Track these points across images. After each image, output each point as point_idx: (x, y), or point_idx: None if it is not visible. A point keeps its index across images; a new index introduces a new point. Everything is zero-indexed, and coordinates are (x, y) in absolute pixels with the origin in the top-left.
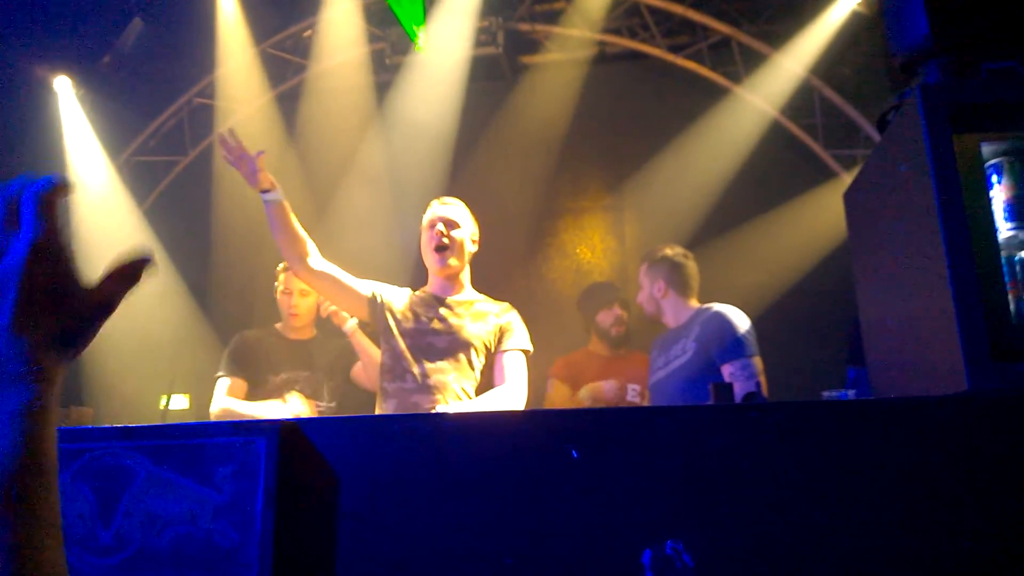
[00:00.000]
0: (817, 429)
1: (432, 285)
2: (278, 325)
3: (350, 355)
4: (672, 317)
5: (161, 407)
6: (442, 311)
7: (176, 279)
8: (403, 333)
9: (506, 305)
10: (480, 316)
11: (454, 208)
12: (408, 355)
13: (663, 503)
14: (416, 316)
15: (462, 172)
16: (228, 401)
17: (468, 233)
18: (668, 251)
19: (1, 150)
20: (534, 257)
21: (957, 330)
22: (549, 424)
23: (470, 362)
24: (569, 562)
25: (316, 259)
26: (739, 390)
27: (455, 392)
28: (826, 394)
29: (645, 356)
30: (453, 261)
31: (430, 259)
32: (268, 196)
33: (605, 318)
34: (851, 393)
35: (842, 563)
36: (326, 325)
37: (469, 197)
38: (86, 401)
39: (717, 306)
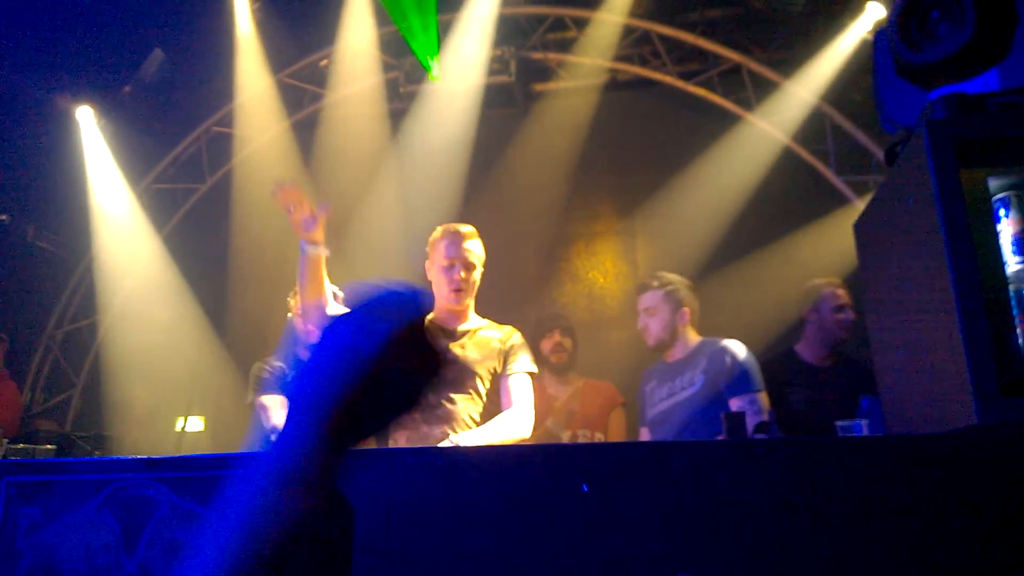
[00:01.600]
0: (826, 465)
1: (438, 315)
2: (297, 351)
3: None
4: (679, 348)
5: (177, 429)
6: (448, 341)
7: (193, 304)
8: None
9: (509, 329)
10: (485, 343)
11: (472, 245)
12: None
13: (673, 537)
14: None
15: (475, 198)
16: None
17: (479, 266)
18: (682, 279)
19: (27, 178)
20: (547, 283)
21: (966, 365)
22: (560, 458)
23: (477, 390)
24: None
25: (331, 307)
26: (748, 424)
27: (464, 421)
28: (839, 424)
29: (593, 384)
30: (467, 300)
31: (444, 295)
32: (311, 249)
33: (545, 345)
34: (864, 423)
35: None
36: None
37: (481, 222)
38: (105, 424)
39: (723, 341)
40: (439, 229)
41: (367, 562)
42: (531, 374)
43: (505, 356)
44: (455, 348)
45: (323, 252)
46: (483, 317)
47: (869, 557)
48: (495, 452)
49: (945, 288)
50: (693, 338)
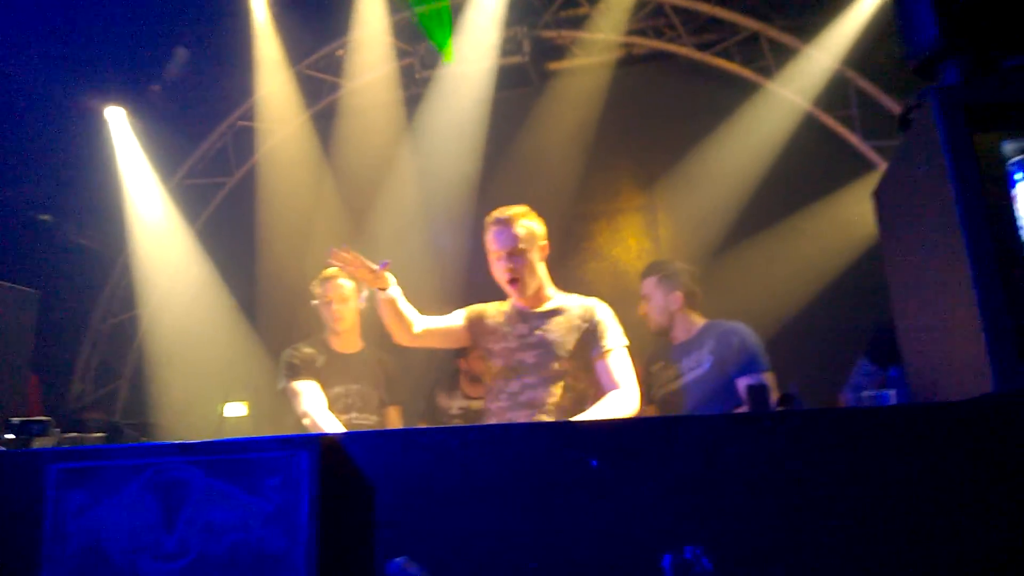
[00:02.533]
0: (834, 436)
1: (518, 301)
2: (325, 336)
3: (397, 368)
4: (683, 330)
5: (225, 415)
6: (529, 325)
7: (227, 295)
8: (496, 354)
9: (591, 303)
10: (565, 323)
11: (511, 232)
12: (502, 375)
13: (682, 509)
14: (505, 335)
15: (493, 180)
16: (322, 412)
17: (534, 247)
18: (681, 265)
19: (66, 179)
20: (570, 261)
21: (983, 332)
22: (570, 435)
23: (559, 373)
24: (591, 566)
25: (417, 326)
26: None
27: (549, 406)
28: (868, 394)
29: None
30: (529, 285)
31: (506, 288)
32: (380, 295)
33: None
34: (892, 393)
35: (861, 566)
36: (370, 337)
37: (501, 203)
38: (151, 412)
39: (730, 323)
40: (487, 219)
41: (388, 536)
42: (626, 347)
43: (592, 334)
44: (535, 330)
45: (393, 295)
46: (566, 292)
47: (880, 524)
48: (505, 431)
49: (960, 254)
50: (696, 320)
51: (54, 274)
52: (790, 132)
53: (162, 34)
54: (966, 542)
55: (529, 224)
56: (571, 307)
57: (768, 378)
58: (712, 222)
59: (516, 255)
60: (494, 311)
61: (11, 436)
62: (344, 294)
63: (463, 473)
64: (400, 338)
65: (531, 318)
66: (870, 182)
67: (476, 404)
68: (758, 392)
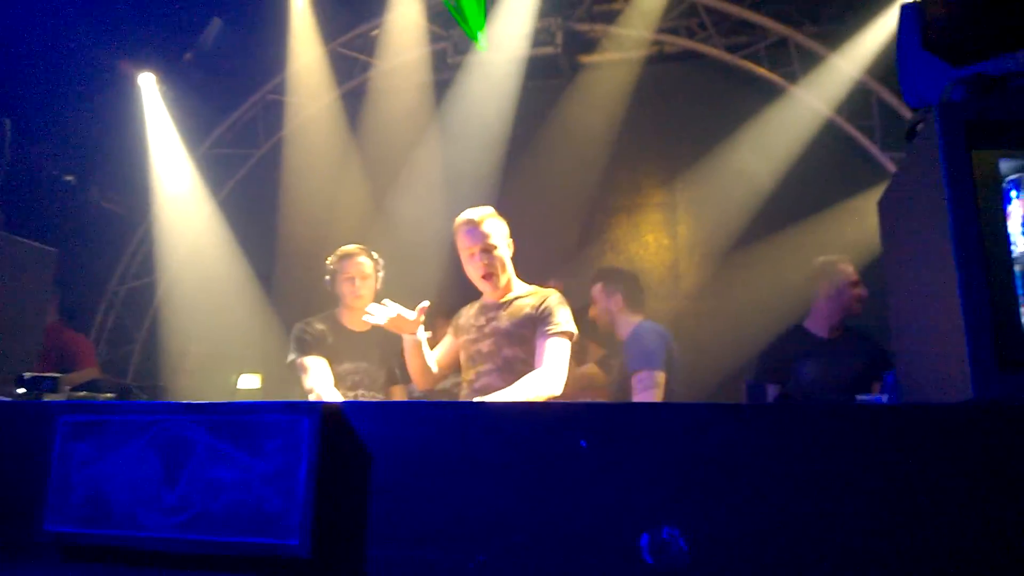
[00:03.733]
0: (811, 431)
1: (485, 296)
2: (337, 312)
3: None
4: (623, 330)
5: (237, 387)
6: (487, 316)
7: (246, 266)
8: (462, 347)
9: (545, 292)
10: (518, 312)
11: (486, 228)
12: (465, 366)
13: (662, 492)
14: (469, 328)
15: (518, 168)
16: (327, 389)
17: (504, 243)
18: (625, 271)
19: (92, 142)
20: (587, 253)
21: (965, 340)
22: (562, 416)
23: (512, 360)
24: (574, 540)
25: (434, 364)
26: (638, 398)
27: (500, 392)
28: (860, 398)
29: None
30: (502, 279)
31: (478, 282)
32: (407, 338)
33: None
34: (884, 398)
35: (832, 556)
36: None
37: (523, 192)
38: (165, 380)
39: (648, 323)
40: (455, 222)
41: (383, 502)
42: (565, 334)
43: (539, 320)
44: (493, 319)
45: (421, 339)
46: (528, 283)
47: (852, 516)
48: (502, 408)
49: (950, 265)
50: (633, 320)
51: (74, 235)
52: (811, 137)
53: (199, 4)
54: (938, 541)
55: (497, 223)
56: (526, 296)
57: (656, 376)
58: (731, 222)
59: (489, 251)
60: (467, 310)
61: (22, 390)
62: (365, 271)
63: (458, 447)
64: (423, 381)
65: (489, 309)
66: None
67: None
68: (753, 391)
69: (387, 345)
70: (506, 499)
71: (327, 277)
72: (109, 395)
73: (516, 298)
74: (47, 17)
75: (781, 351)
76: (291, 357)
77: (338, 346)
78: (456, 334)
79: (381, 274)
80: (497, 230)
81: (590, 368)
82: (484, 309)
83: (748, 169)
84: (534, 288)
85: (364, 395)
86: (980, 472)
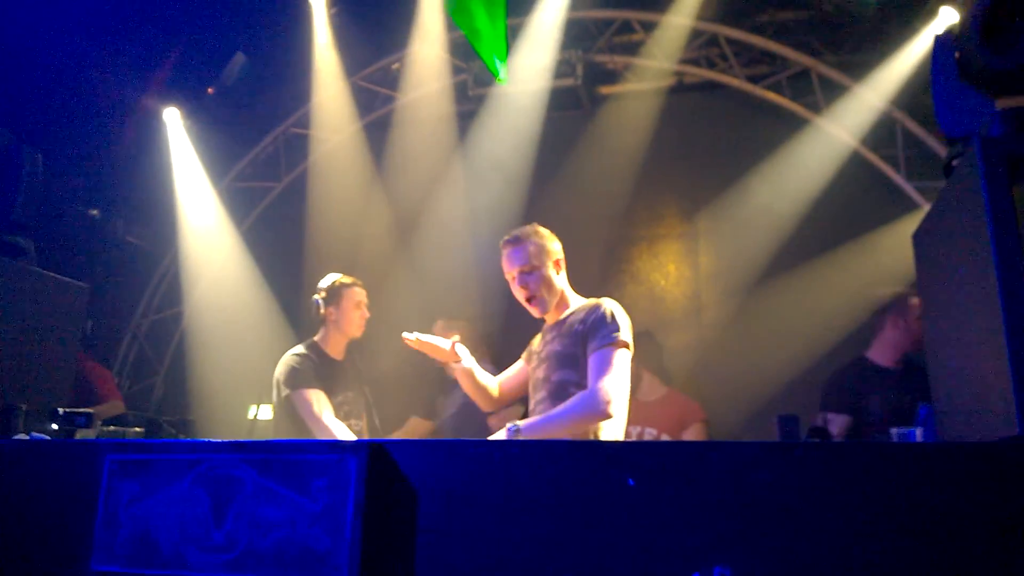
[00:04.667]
0: (861, 469)
1: (535, 317)
2: (319, 341)
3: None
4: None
5: (250, 417)
6: (544, 340)
7: (269, 297)
8: (530, 375)
9: (592, 304)
10: (569, 330)
11: (518, 253)
12: (529, 391)
13: (712, 530)
14: (532, 355)
15: (539, 199)
16: (335, 423)
17: (544, 264)
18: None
19: (117, 176)
20: (608, 284)
21: (1011, 376)
22: (609, 454)
23: (563, 384)
24: None
25: (495, 388)
26: None
27: (536, 419)
28: (895, 431)
29: (677, 395)
30: (548, 301)
31: (527, 307)
32: (459, 367)
33: None
34: (919, 432)
35: None
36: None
37: (545, 223)
38: (185, 409)
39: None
40: (500, 244)
41: (429, 541)
42: (615, 343)
43: (586, 335)
44: (547, 346)
45: (469, 366)
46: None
47: (902, 557)
48: (548, 446)
49: (994, 301)
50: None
51: (99, 269)
52: (835, 168)
53: (222, 39)
54: None
55: (538, 241)
56: (575, 314)
57: None
58: (753, 253)
59: (528, 273)
60: (536, 339)
61: (55, 426)
62: (367, 301)
63: (505, 486)
64: (485, 405)
65: (547, 332)
66: (912, 222)
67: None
68: (786, 423)
69: (362, 371)
70: (554, 538)
71: (320, 299)
72: (138, 429)
73: (568, 316)
74: (72, 53)
75: (847, 380)
76: (285, 392)
77: (328, 379)
78: (527, 360)
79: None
80: (537, 249)
81: None
82: (544, 333)
83: (770, 199)
84: (587, 301)
85: (355, 424)
86: None
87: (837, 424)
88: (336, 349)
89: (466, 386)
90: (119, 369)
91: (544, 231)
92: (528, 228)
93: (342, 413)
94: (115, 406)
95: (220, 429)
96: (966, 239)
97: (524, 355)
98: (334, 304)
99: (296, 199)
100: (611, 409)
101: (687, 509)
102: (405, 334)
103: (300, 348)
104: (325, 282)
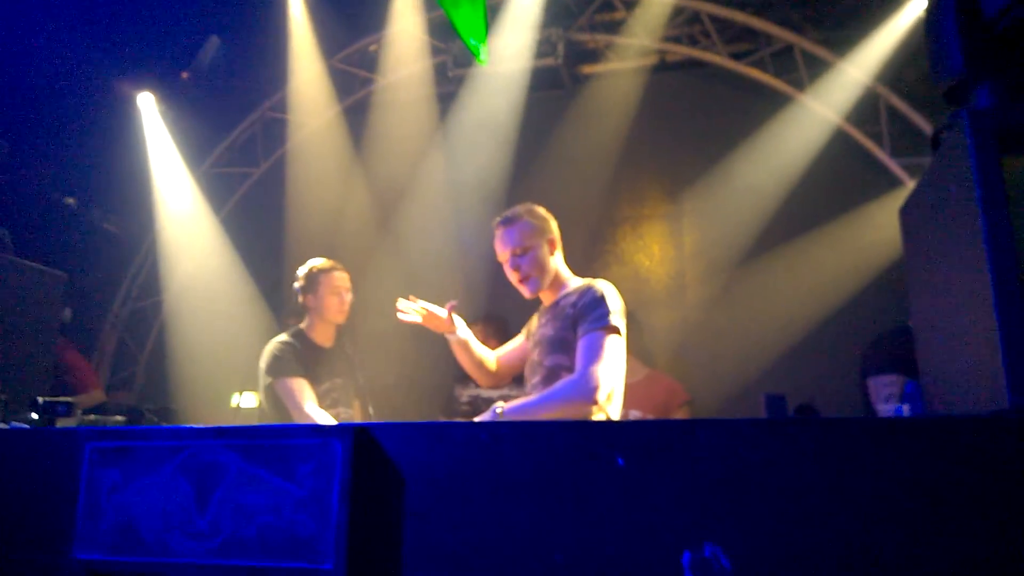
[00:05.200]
0: (852, 445)
1: (540, 297)
2: (305, 328)
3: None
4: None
5: (232, 405)
6: (539, 322)
7: (250, 284)
8: (528, 355)
9: (584, 286)
10: (561, 313)
11: (511, 234)
12: (526, 373)
13: (703, 509)
14: (531, 334)
15: (522, 180)
16: (316, 411)
17: (537, 244)
18: None
19: (92, 163)
20: (592, 264)
21: (1000, 350)
22: (597, 434)
23: (555, 368)
24: (614, 560)
25: (492, 362)
26: None
27: (521, 400)
28: (882, 407)
29: (658, 376)
30: (542, 281)
31: (519, 289)
32: (454, 338)
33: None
34: (906, 407)
35: (873, 573)
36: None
37: (529, 203)
38: (170, 397)
39: None
40: (492, 224)
41: (416, 524)
42: (605, 328)
43: (577, 319)
44: (541, 329)
45: (464, 337)
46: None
47: (893, 532)
48: (536, 427)
49: (983, 273)
50: None
51: (76, 257)
52: (819, 145)
53: (196, 22)
54: (978, 552)
55: (531, 221)
56: (568, 296)
57: None
58: (737, 232)
59: (520, 255)
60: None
61: (35, 416)
62: (348, 285)
63: (493, 467)
64: (482, 380)
65: (543, 315)
66: (896, 198)
67: (485, 393)
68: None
69: (354, 358)
70: (543, 519)
71: (299, 287)
72: (119, 418)
73: (562, 298)
74: (44, 38)
75: (895, 340)
76: (268, 380)
77: (313, 365)
78: (527, 337)
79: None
80: (530, 229)
81: None
82: (540, 314)
83: (754, 178)
84: (581, 282)
85: (343, 412)
86: (1021, 480)
87: (885, 388)
88: (322, 336)
89: (462, 359)
90: (99, 358)
91: (539, 210)
92: (521, 208)
93: (329, 400)
94: (94, 396)
95: (202, 417)
96: (955, 212)
97: (524, 331)
98: (312, 292)
99: (275, 184)
100: (599, 395)
101: (677, 488)
102: (400, 302)
103: (284, 336)
104: (302, 269)
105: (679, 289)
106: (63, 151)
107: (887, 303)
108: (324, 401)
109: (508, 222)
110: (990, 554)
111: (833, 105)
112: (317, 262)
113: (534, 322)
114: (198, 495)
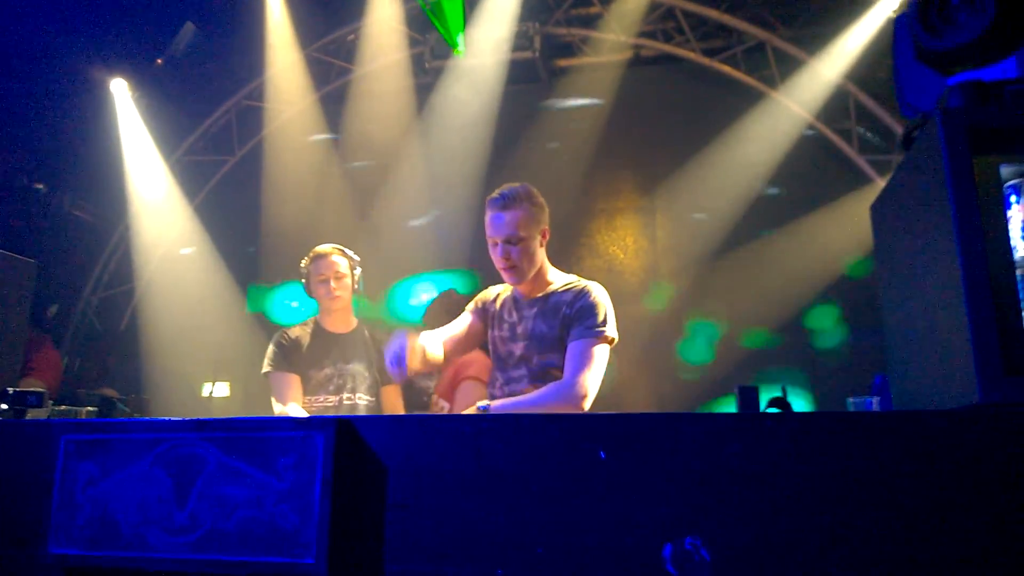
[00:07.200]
0: (829, 438)
1: (517, 289)
2: (318, 317)
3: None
4: None
5: (204, 395)
6: (521, 314)
7: (224, 273)
8: (492, 341)
9: (582, 288)
10: (554, 312)
11: (510, 219)
12: (495, 364)
13: (683, 502)
14: (501, 323)
15: (497, 172)
16: (294, 411)
17: (534, 232)
18: None
19: (63, 149)
20: (566, 257)
21: (971, 344)
22: (579, 426)
23: (544, 366)
24: (596, 553)
25: (436, 351)
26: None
27: (510, 400)
28: (852, 399)
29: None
30: (527, 272)
31: (502, 274)
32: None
33: None
34: (875, 400)
35: (848, 564)
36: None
37: None
38: (141, 386)
39: None
40: (488, 199)
41: (399, 517)
42: (600, 338)
43: (571, 320)
44: (524, 318)
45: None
46: (568, 274)
47: (868, 525)
48: (518, 420)
49: (954, 269)
50: None
51: (46, 244)
52: (790, 142)
53: (171, 8)
54: (961, 546)
55: (531, 209)
56: (563, 291)
57: None
58: (709, 226)
59: (513, 243)
60: (495, 297)
61: (5, 406)
62: (340, 271)
63: (475, 460)
64: (422, 367)
65: (524, 307)
66: (865, 195)
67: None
68: (746, 394)
69: (372, 345)
70: (525, 512)
71: (303, 281)
72: (91, 408)
73: (552, 293)
74: (13, 20)
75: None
76: (265, 369)
77: (317, 351)
78: (483, 319)
79: (358, 271)
80: (528, 218)
81: None
82: (519, 305)
83: (727, 173)
84: (573, 280)
85: (349, 399)
86: (990, 474)
87: None
88: (335, 323)
89: (414, 363)
90: (70, 346)
91: (538, 196)
92: (521, 190)
93: (332, 387)
94: (31, 383)
95: (174, 407)
96: (926, 209)
97: (471, 309)
98: (307, 283)
99: (250, 173)
100: (585, 404)
101: (658, 481)
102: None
103: (294, 325)
104: (304, 260)
105: (652, 280)
106: (33, 136)
107: (859, 295)
108: (325, 387)
109: (506, 205)
110: (960, 544)
111: (804, 102)
112: (314, 250)
113: (504, 306)
114: (177, 488)
